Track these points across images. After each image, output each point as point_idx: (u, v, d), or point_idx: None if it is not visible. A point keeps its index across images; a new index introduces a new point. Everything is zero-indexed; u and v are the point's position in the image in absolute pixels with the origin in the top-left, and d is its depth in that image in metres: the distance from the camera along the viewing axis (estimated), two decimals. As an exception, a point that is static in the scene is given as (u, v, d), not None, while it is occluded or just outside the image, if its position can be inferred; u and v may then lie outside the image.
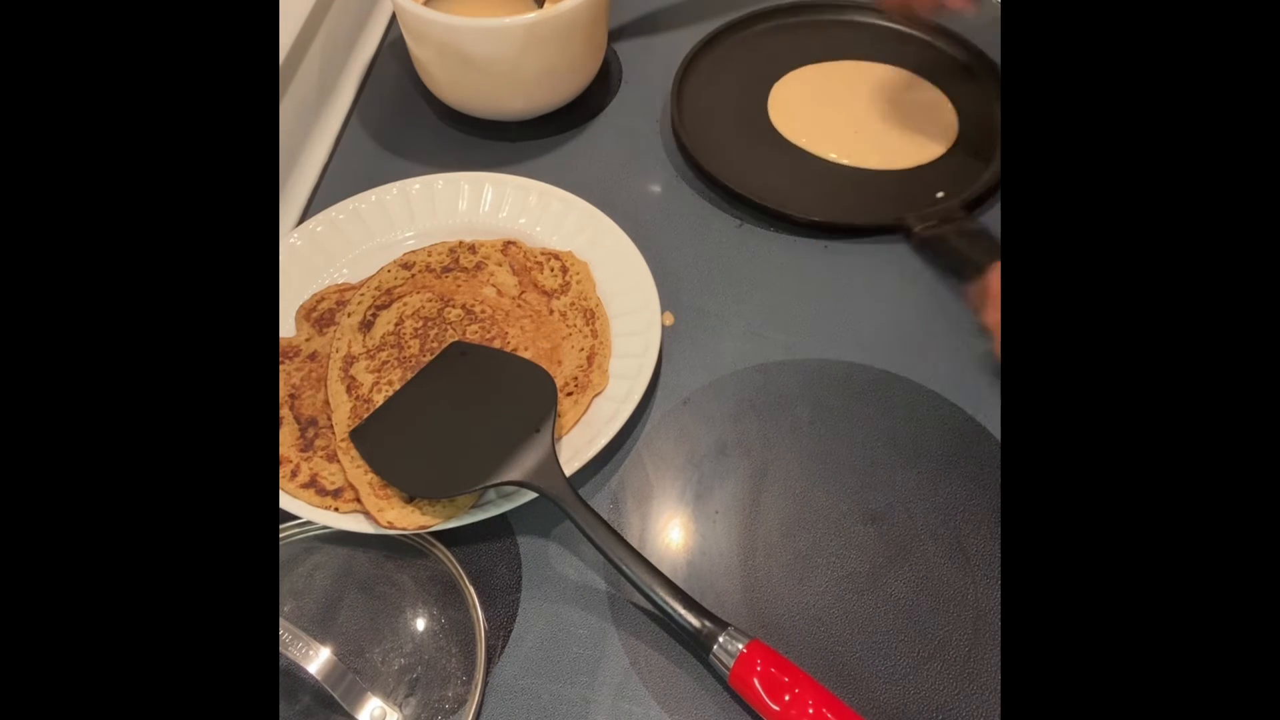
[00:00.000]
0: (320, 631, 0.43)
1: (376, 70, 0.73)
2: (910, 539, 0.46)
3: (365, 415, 0.48)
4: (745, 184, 0.61)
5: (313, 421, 0.49)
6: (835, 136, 0.66)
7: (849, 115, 0.67)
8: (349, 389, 0.49)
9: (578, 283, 0.55)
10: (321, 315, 0.54)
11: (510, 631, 0.43)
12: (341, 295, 0.55)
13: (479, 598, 0.44)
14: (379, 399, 0.49)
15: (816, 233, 0.60)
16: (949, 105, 0.68)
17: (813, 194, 0.62)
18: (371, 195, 0.59)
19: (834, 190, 0.63)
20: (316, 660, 0.39)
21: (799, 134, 0.66)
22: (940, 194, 0.61)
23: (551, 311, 0.54)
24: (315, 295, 0.55)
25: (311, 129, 0.66)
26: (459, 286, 0.55)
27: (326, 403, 0.49)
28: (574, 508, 0.42)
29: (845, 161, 0.64)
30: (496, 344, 0.52)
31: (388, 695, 0.41)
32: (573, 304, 0.54)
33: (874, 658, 0.42)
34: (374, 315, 0.53)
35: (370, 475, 0.45)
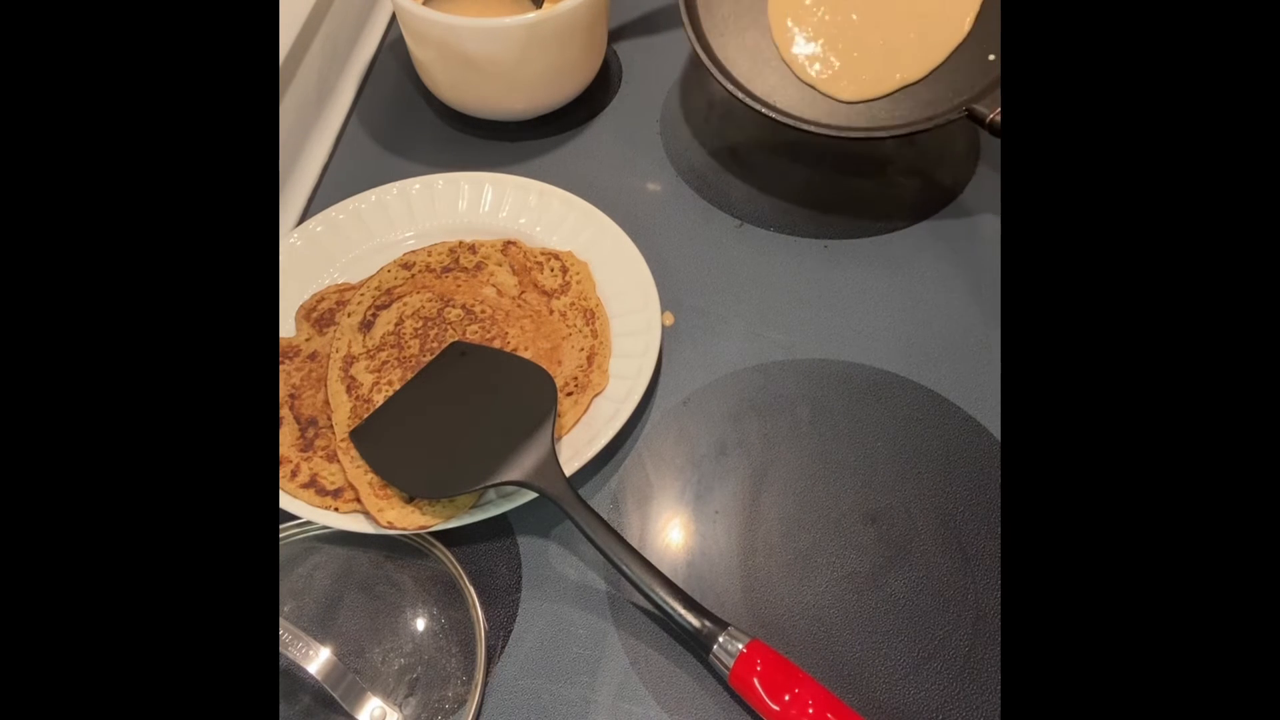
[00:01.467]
0: (320, 631, 0.43)
1: (376, 70, 0.73)
2: (910, 539, 0.46)
3: (365, 415, 0.48)
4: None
5: (313, 421, 0.49)
6: (862, 67, 0.59)
7: (856, 27, 0.59)
8: (349, 389, 0.49)
9: (578, 283, 0.55)
10: (321, 315, 0.54)
11: (510, 631, 0.43)
12: (341, 295, 0.55)
13: (479, 598, 0.44)
14: (379, 399, 0.49)
15: (818, 230, 0.60)
16: None
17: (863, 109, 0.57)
18: (371, 195, 0.59)
19: (887, 100, 0.57)
20: (316, 660, 0.39)
21: (821, 76, 0.59)
22: (991, 56, 0.55)
23: (551, 311, 0.54)
24: (315, 295, 0.55)
25: (311, 129, 0.66)
26: (459, 286, 0.55)
27: (326, 403, 0.49)
28: (574, 508, 0.42)
29: (879, 91, 0.58)
30: (496, 344, 0.52)
31: (388, 695, 0.41)
32: (573, 304, 0.54)
33: (874, 658, 0.42)
34: (374, 315, 0.53)
35: (370, 475, 0.45)
